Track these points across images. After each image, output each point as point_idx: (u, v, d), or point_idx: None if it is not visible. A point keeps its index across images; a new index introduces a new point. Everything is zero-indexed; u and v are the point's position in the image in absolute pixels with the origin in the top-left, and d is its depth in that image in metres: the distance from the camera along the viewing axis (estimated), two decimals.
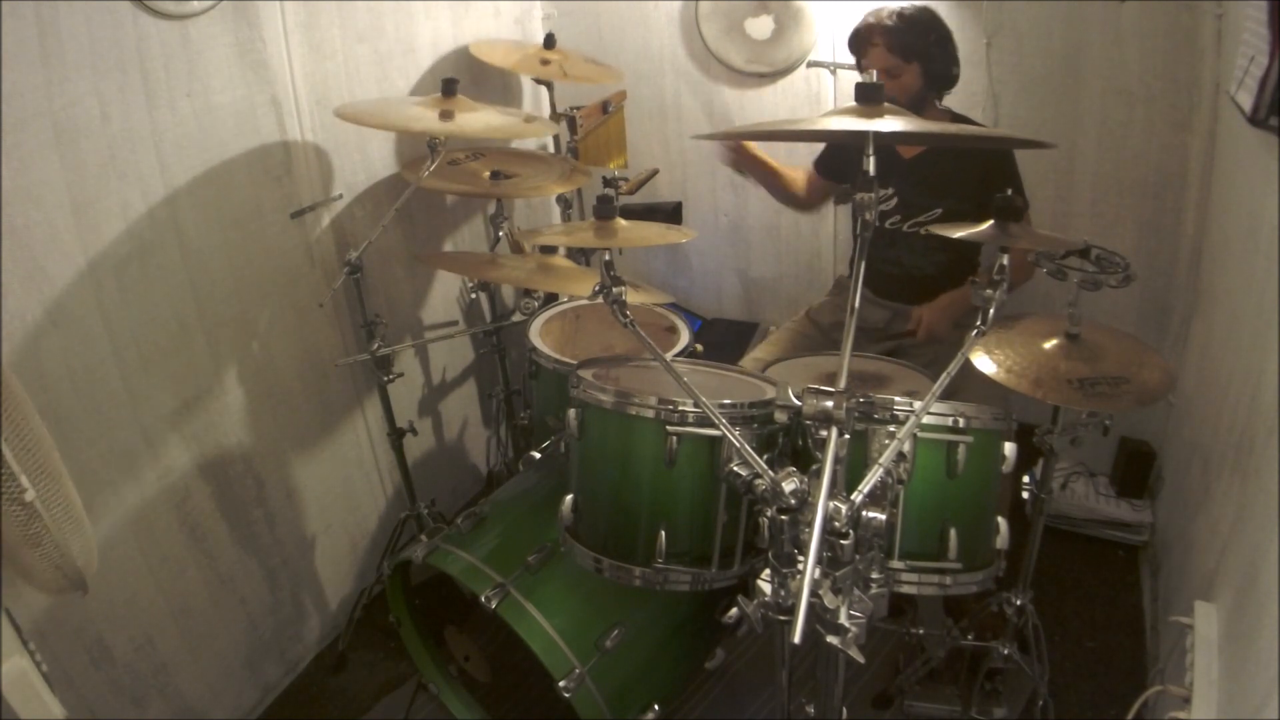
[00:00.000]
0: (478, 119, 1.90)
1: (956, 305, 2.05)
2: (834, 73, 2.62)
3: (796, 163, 2.40)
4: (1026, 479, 1.71)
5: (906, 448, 1.27)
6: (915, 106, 2.00)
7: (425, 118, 1.87)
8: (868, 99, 1.18)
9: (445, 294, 2.63)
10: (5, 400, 0.93)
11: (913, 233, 2.10)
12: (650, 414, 1.35)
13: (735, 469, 1.23)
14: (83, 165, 1.56)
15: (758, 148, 2.30)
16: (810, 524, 0.95)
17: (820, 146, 2.37)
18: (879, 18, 1.99)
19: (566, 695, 1.51)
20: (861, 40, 2.03)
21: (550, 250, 2.10)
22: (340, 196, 2.17)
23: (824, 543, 0.97)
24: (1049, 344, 1.53)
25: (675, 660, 1.78)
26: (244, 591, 2.03)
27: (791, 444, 1.42)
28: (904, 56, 1.97)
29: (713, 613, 1.72)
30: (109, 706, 1.72)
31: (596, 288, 1.32)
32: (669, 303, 2.12)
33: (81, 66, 1.52)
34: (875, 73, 2.04)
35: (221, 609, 1.98)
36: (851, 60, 2.32)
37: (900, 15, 1.98)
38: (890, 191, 2.11)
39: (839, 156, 2.29)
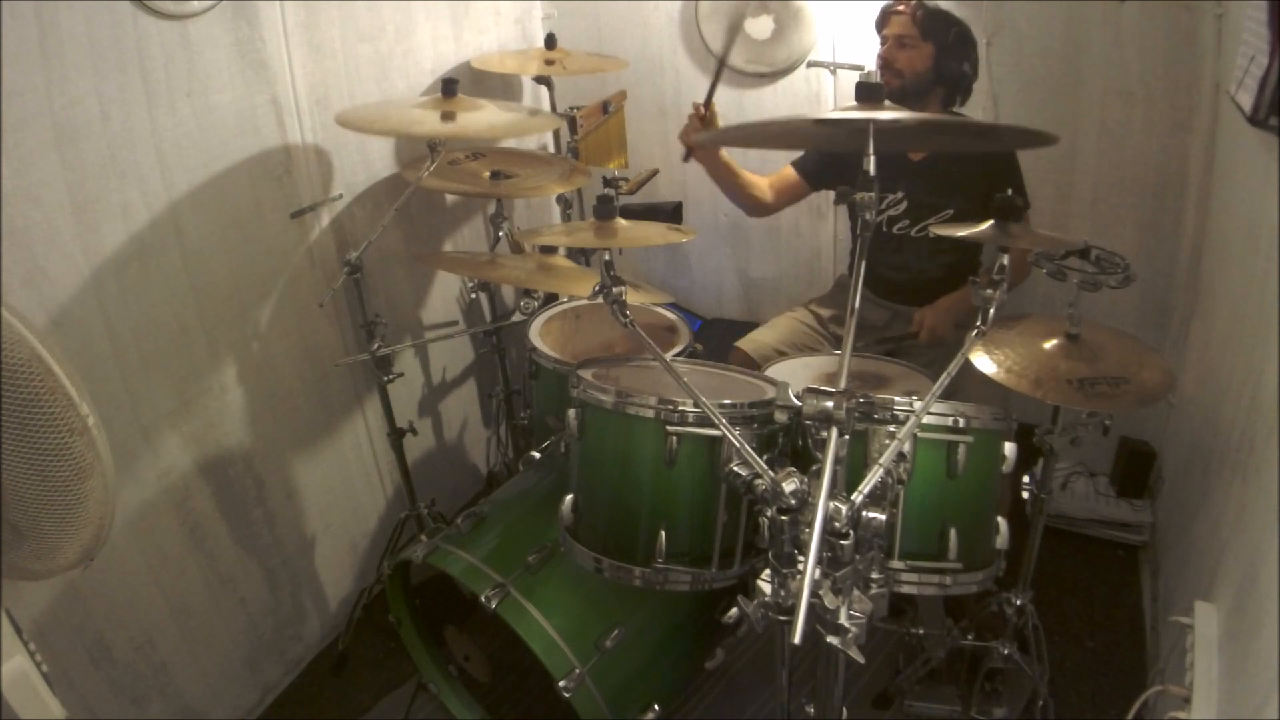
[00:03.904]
0: (480, 118, 1.89)
1: (958, 306, 2.05)
2: (834, 73, 2.62)
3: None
4: (1026, 479, 1.71)
5: (906, 448, 1.27)
6: (919, 96, 2.02)
7: (427, 120, 1.87)
8: (868, 98, 1.18)
9: (445, 294, 2.63)
10: (41, 337, 0.93)
11: (920, 236, 2.11)
12: (650, 414, 1.35)
13: (735, 469, 1.23)
14: (83, 165, 1.56)
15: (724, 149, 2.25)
16: (810, 524, 0.95)
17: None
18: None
19: (566, 695, 1.51)
20: (887, 11, 2.07)
21: (550, 250, 2.10)
22: (340, 196, 2.17)
23: (824, 543, 0.97)
24: (1049, 344, 1.53)
25: (675, 660, 1.78)
26: (244, 591, 2.03)
27: (791, 444, 1.42)
28: (922, 32, 2.01)
29: (713, 613, 1.72)
30: (109, 706, 1.72)
31: (596, 288, 1.32)
32: (669, 303, 2.12)
33: (81, 66, 1.52)
34: (876, 72, 2.06)
35: (221, 609, 1.98)
36: (851, 60, 2.33)
37: (934, 5, 2.04)
38: (900, 195, 2.11)
39: (834, 161, 2.27)
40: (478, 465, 2.87)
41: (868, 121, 1.08)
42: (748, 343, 2.21)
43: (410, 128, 1.92)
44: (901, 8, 2.03)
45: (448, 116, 1.86)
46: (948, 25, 2.01)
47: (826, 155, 2.28)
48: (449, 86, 1.91)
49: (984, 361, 1.50)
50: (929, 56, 2.01)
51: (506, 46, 2.74)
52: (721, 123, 2.36)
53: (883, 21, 2.09)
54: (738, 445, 1.19)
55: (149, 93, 1.66)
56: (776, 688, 1.25)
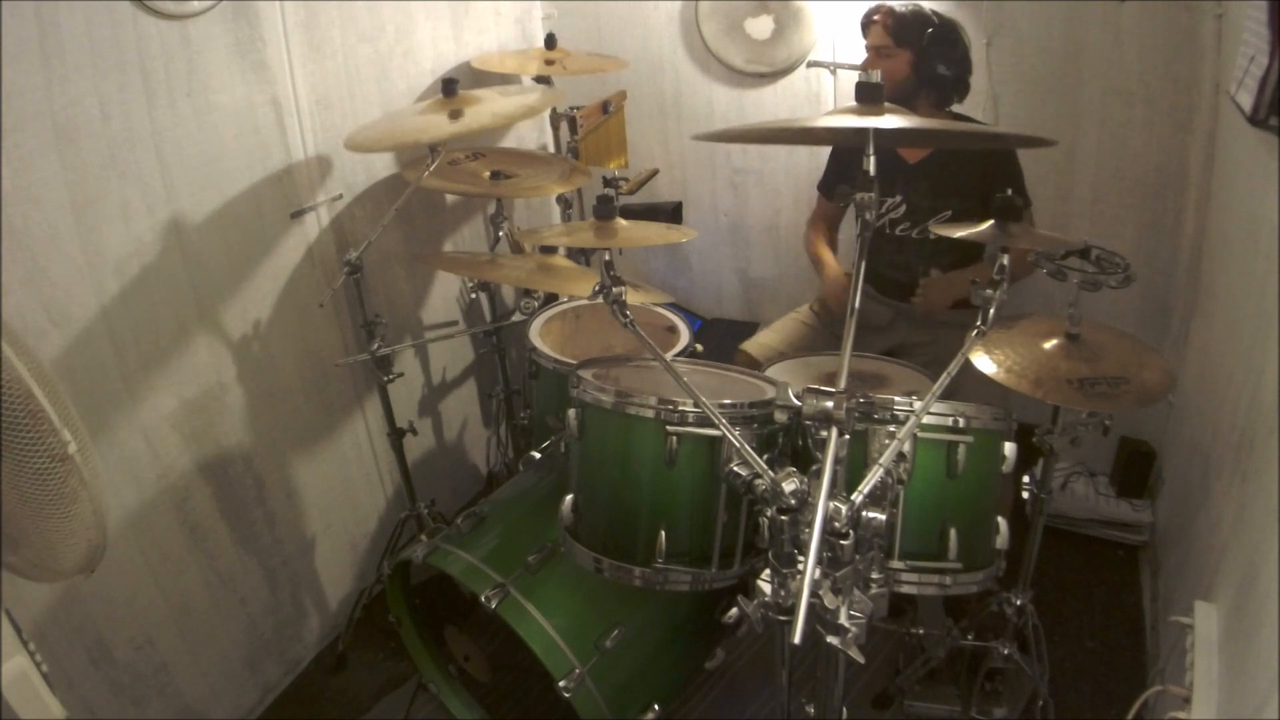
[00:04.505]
0: (484, 110, 1.89)
1: (958, 283, 2.07)
2: (834, 73, 2.62)
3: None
4: (1026, 479, 1.71)
5: (906, 448, 1.27)
6: (904, 100, 2.02)
7: (433, 125, 1.86)
8: (868, 98, 1.18)
9: (445, 294, 2.63)
10: (28, 359, 0.93)
11: (921, 237, 2.11)
12: (650, 414, 1.35)
13: (735, 469, 1.23)
14: (83, 165, 1.56)
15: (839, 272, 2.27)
16: (810, 524, 0.95)
17: (822, 168, 2.38)
18: (893, 2, 2.06)
19: (566, 695, 1.51)
20: (868, 17, 2.09)
21: (550, 250, 2.10)
22: (340, 196, 2.17)
23: (824, 543, 0.97)
24: (1049, 344, 1.53)
25: (675, 660, 1.78)
26: (244, 591, 2.03)
27: (791, 444, 1.42)
28: (896, 40, 2.02)
29: (713, 613, 1.72)
30: (109, 706, 1.72)
31: (596, 288, 1.32)
32: (669, 303, 2.12)
33: (81, 66, 1.52)
34: (878, 73, 2.06)
35: (221, 609, 1.98)
36: (851, 60, 2.33)
37: (915, 8, 2.03)
38: (898, 199, 2.11)
39: (840, 169, 2.30)
40: (478, 465, 2.87)
41: (865, 129, 1.08)
42: (752, 345, 2.21)
43: (419, 136, 1.90)
44: (877, 17, 2.05)
45: (455, 115, 1.85)
46: (921, 28, 2.01)
47: (834, 168, 2.32)
48: (449, 86, 1.91)
49: (984, 361, 1.50)
50: (907, 63, 2.02)
51: (506, 46, 2.74)
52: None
53: (865, 29, 2.10)
54: (738, 445, 1.19)
55: (149, 93, 1.66)
56: (776, 688, 1.25)
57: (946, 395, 1.20)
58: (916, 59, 2.02)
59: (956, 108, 2.13)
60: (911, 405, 1.29)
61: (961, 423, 1.36)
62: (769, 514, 1.07)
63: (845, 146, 2.16)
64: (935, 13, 2.03)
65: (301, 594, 2.22)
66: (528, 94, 2.16)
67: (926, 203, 2.09)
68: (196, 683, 1.93)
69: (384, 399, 2.10)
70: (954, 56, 2.03)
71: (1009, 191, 1.43)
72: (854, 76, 2.53)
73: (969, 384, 1.65)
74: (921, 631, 1.89)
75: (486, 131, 1.93)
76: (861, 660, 1.01)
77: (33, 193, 1.48)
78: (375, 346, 1.97)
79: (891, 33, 2.02)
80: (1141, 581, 2.31)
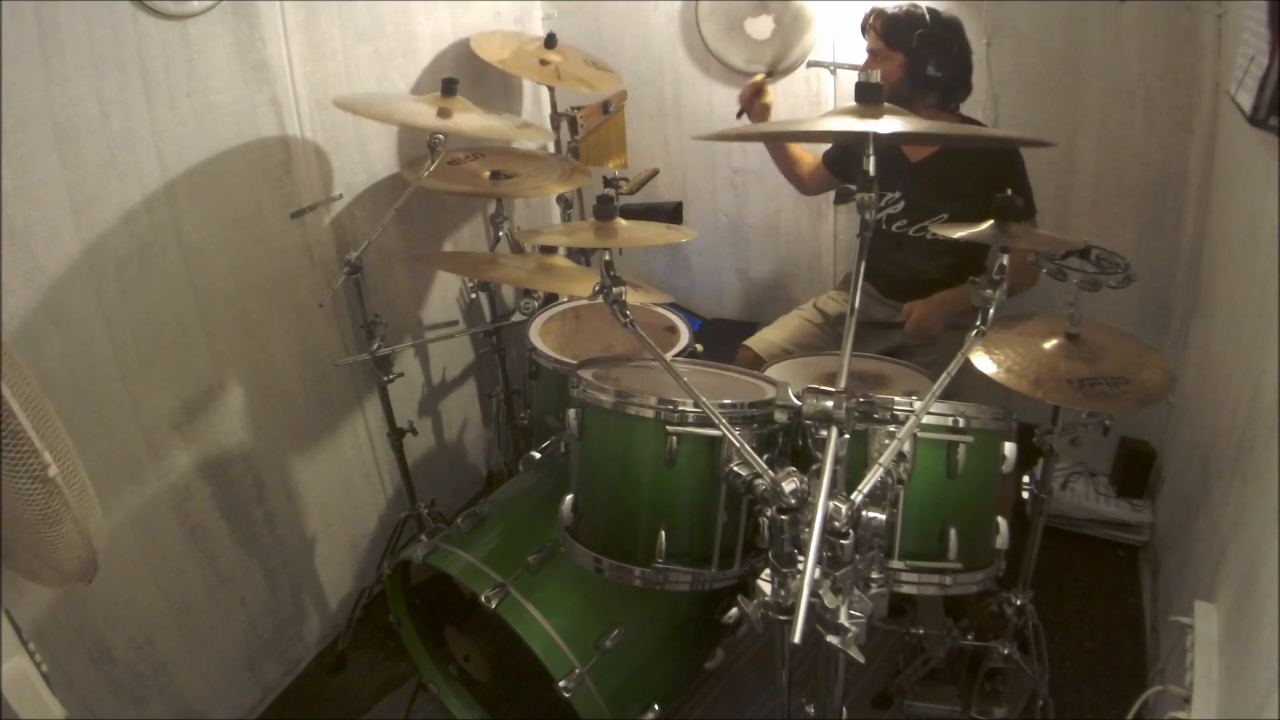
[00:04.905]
0: (472, 118, 1.90)
1: (950, 303, 2.05)
2: (834, 73, 2.62)
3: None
4: (1026, 479, 1.71)
5: (906, 448, 1.27)
6: (901, 101, 2.01)
7: (423, 113, 1.87)
8: (867, 98, 1.18)
9: (445, 294, 2.63)
10: (16, 377, 0.93)
11: (919, 236, 2.11)
12: (650, 414, 1.35)
13: (735, 469, 1.23)
14: (83, 165, 1.56)
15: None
16: (810, 524, 0.95)
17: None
18: (887, 4, 2.06)
19: (566, 695, 1.51)
20: (865, 21, 2.11)
21: (550, 250, 2.10)
22: (340, 196, 2.17)
23: (824, 543, 0.97)
24: (1049, 344, 1.53)
25: (675, 660, 1.78)
26: (244, 591, 2.03)
27: (791, 444, 1.42)
28: (888, 43, 2.03)
29: (713, 613, 1.72)
30: (109, 706, 1.72)
31: (596, 288, 1.32)
32: (669, 303, 2.12)
33: (81, 66, 1.52)
34: (877, 73, 2.06)
35: (221, 609, 1.98)
36: (851, 60, 2.33)
37: (907, 9, 2.03)
38: (897, 195, 2.11)
39: (847, 154, 2.29)
40: (478, 465, 2.87)
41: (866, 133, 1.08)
42: (756, 342, 2.21)
43: (407, 118, 1.93)
44: (873, 21, 2.06)
45: (444, 113, 1.86)
46: (910, 30, 2.00)
47: (843, 149, 2.31)
48: (449, 85, 1.91)
49: (984, 361, 1.50)
50: (900, 65, 2.03)
51: (506, 47, 2.73)
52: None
53: (864, 33, 2.11)
54: (738, 445, 1.19)
55: (149, 93, 1.66)
56: (776, 688, 1.25)
57: (947, 395, 1.20)
58: (909, 61, 2.01)
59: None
60: (911, 405, 1.29)
61: (961, 423, 1.36)
62: (769, 514, 1.07)
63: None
64: (932, 11, 2.02)
65: (301, 594, 2.22)
66: (513, 122, 2.23)
67: (927, 201, 2.08)
68: (196, 683, 1.93)
69: (384, 399, 2.10)
70: (947, 57, 2.01)
71: (1009, 192, 1.43)
72: (854, 76, 2.53)
73: (969, 384, 1.65)
74: (921, 631, 1.89)
75: (468, 135, 1.94)
76: (861, 660, 1.01)
77: (33, 193, 1.48)
78: (375, 346, 1.97)
79: (883, 36, 2.03)
80: (1141, 581, 2.31)
